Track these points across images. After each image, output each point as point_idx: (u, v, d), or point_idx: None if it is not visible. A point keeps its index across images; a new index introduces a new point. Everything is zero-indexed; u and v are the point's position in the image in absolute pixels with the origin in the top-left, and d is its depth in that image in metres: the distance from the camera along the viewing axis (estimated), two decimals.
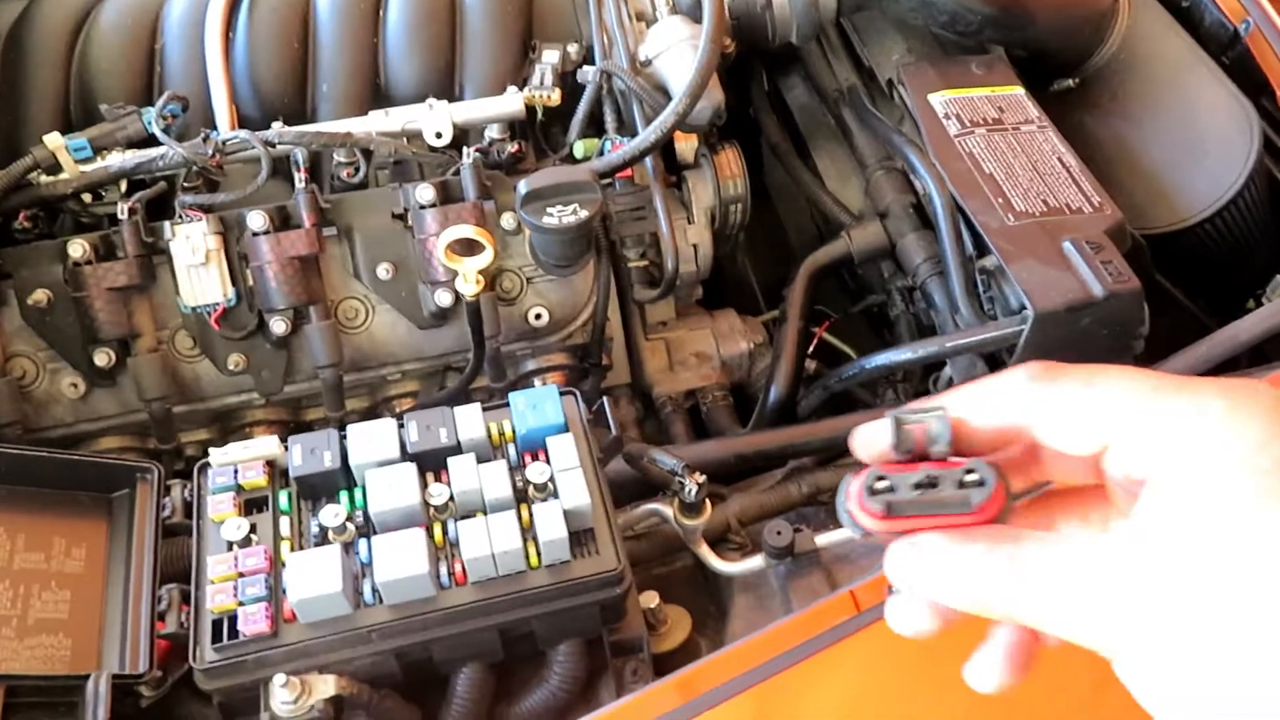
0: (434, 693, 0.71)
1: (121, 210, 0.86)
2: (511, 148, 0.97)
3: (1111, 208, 0.91)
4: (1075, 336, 0.85)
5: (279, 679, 0.64)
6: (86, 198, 0.91)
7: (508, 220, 0.93)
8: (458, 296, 0.88)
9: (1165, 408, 0.32)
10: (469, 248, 0.83)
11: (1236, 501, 0.30)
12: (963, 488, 0.34)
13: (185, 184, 0.91)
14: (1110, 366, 0.34)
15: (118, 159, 0.90)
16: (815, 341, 1.15)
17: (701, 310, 1.12)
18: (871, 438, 0.36)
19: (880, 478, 0.35)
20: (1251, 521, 0.29)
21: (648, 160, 0.97)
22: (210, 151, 0.88)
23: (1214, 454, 0.31)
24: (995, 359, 0.93)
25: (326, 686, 0.65)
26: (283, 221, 0.89)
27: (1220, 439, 0.31)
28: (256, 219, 0.87)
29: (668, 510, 0.81)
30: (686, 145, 1.06)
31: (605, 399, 0.82)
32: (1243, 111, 1.01)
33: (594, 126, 1.02)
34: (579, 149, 0.99)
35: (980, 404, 0.36)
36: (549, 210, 0.85)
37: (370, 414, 0.98)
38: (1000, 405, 0.35)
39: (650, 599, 0.78)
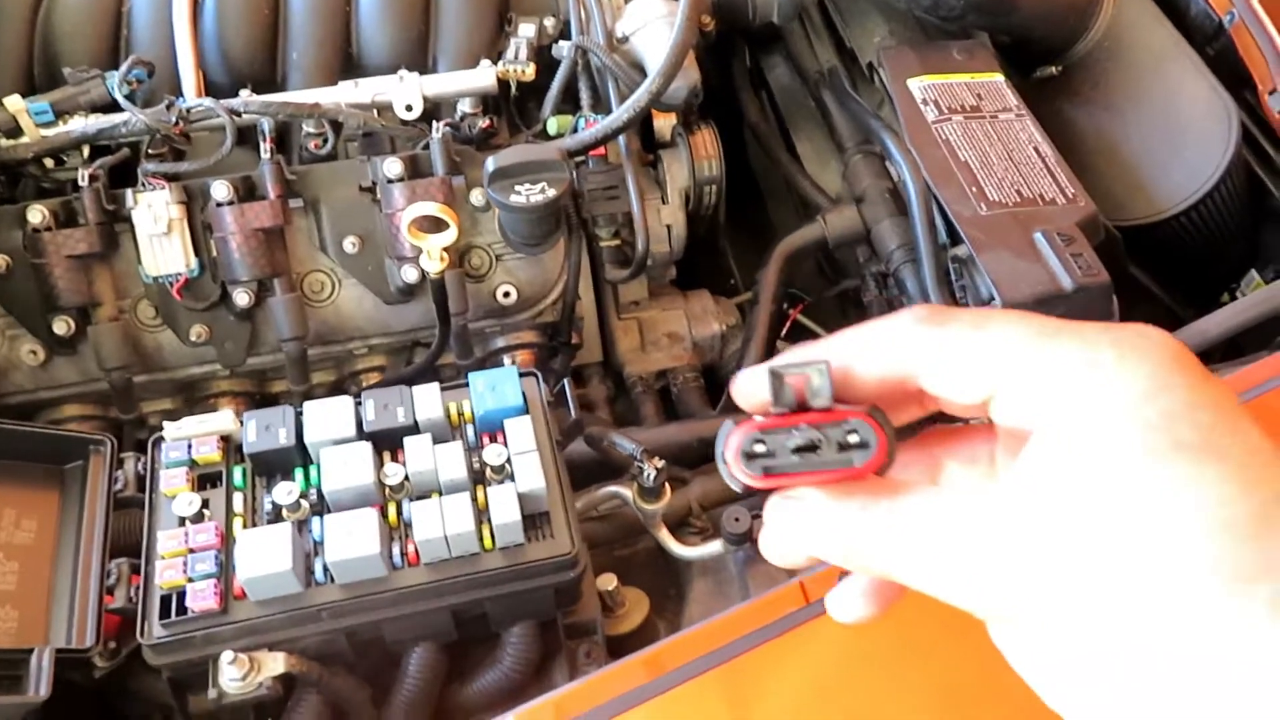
0: (386, 671, 0.71)
1: (82, 177, 0.84)
2: (483, 123, 0.95)
3: (1085, 199, 0.91)
4: None
5: (227, 656, 0.64)
6: (48, 162, 0.90)
7: (477, 197, 0.92)
8: (424, 273, 0.87)
9: (1053, 357, 0.30)
10: (434, 225, 0.82)
11: (1120, 458, 0.28)
12: (844, 450, 0.32)
13: (149, 151, 0.89)
14: (1000, 311, 0.32)
15: (80, 124, 0.89)
16: (789, 324, 1.15)
17: (675, 291, 1.12)
18: (752, 387, 0.34)
19: (758, 440, 0.33)
20: (1135, 480, 0.28)
21: (621, 138, 0.96)
22: (174, 119, 0.86)
23: (1100, 407, 0.29)
24: None
25: (276, 664, 0.65)
26: (248, 192, 0.88)
27: (1107, 391, 0.29)
28: (220, 189, 0.86)
29: (628, 493, 0.81)
30: (664, 123, 1.05)
31: (567, 381, 0.81)
32: (1222, 104, 1.00)
33: (569, 102, 1.01)
34: (552, 125, 0.98)
35: (865, 350, 0.33)
36: (516, 188, 0.84)
37: (337, 387, 0.97)
38: (885, 351, 0.33)
39: (608, 581, 0.78)
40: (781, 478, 0.33)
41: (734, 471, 0.33)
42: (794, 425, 0.33)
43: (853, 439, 0.32)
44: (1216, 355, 0.96)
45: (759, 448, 0.33)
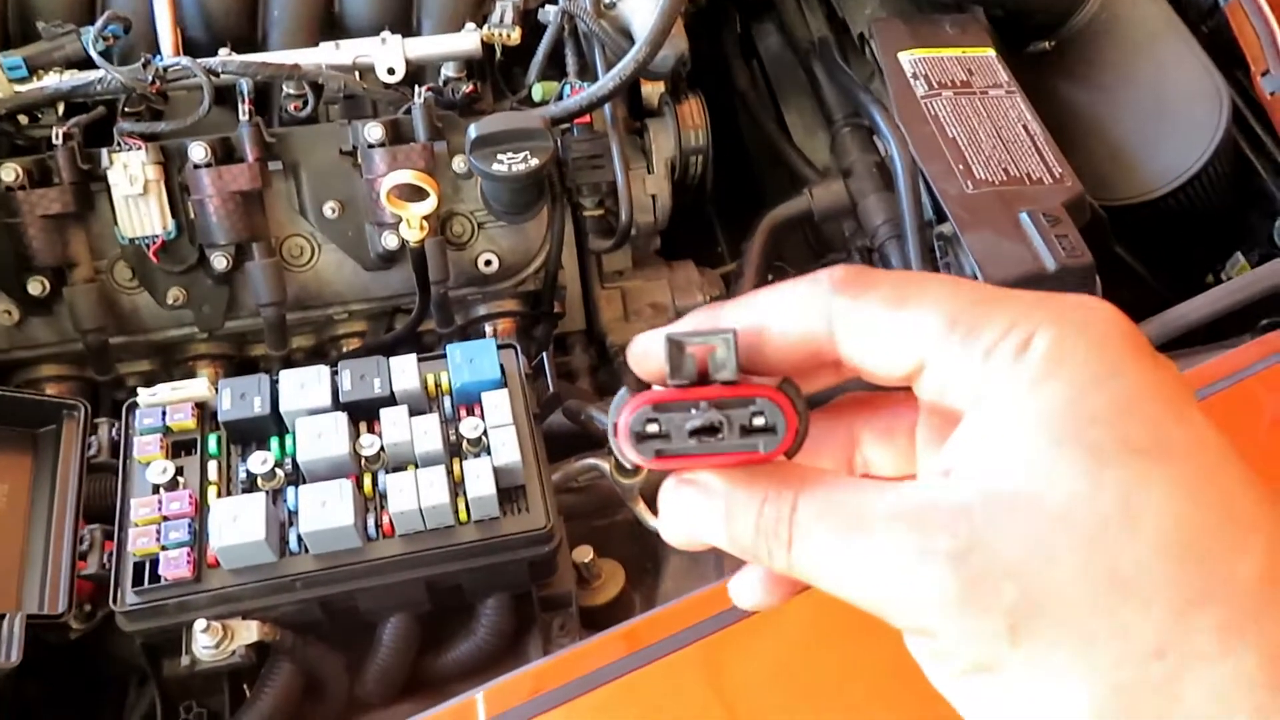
0: (361, 639, 0.72)
1: (56, 135, 0.83)
2: (467, 87, 0.94)
3: (1072, 179, 0.90)
4: None
5: (200, 624, 0.64)
6: (22, 119, 0.88)
7: (459, 163, 0.90)
8: (405, 240, 0.86)
9: (982, 337, 0.27)
10: (414, 193, 0.81)
11: (1059, 458, 0.25)
12: (748, 434, 0.28)
13: (126, 110, 0.87)
14: (928, 277, 0.29)
15: (54, 80, 0.87)
16: None
17: (659, 261, 1.11)
18: (648, 353, 0.30)
19: (651, 419, 0.28)
20: (1076, 487, 0.25)
21: (606, 106, 0.95)
22: (150, 78, 0.84)
23: (1034, 397, 0.26)
24: None
25: (249, 632, 0.65)
26: (226, 154, 0.86)
27: (1043, 378, 0.26)
28: (198, 150, 0.84)
29: (606, 466, 0.81)
30: (652, 91, 1.04)
31: (546, 353, 0.81)
32: (1214, 84, 0.99)
33: (555, 68, 1.00)
34: (537, 91, 0.97)
35: (777, 316, 0.30)
36: (499, 157, 0.82)
37: (317, 352, 0.97)
38: (799, 319, 0.30)
39: (584, 553, 0.78)
40: (677, 460, 0.29)
41: (624, 450, 0.29)
42: (694, 401, 0.29)
43: (758, 422, 0.28)
44: (1198, 339, 0.96)
45: (652, 427, 0.29)
